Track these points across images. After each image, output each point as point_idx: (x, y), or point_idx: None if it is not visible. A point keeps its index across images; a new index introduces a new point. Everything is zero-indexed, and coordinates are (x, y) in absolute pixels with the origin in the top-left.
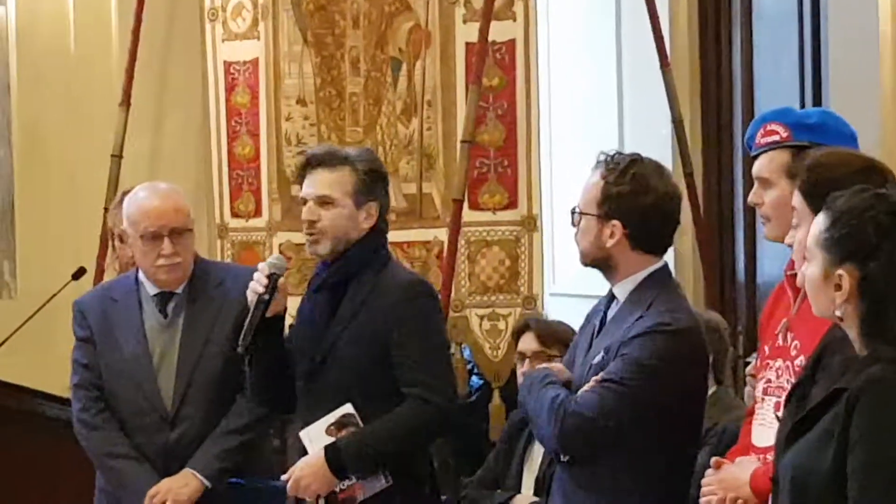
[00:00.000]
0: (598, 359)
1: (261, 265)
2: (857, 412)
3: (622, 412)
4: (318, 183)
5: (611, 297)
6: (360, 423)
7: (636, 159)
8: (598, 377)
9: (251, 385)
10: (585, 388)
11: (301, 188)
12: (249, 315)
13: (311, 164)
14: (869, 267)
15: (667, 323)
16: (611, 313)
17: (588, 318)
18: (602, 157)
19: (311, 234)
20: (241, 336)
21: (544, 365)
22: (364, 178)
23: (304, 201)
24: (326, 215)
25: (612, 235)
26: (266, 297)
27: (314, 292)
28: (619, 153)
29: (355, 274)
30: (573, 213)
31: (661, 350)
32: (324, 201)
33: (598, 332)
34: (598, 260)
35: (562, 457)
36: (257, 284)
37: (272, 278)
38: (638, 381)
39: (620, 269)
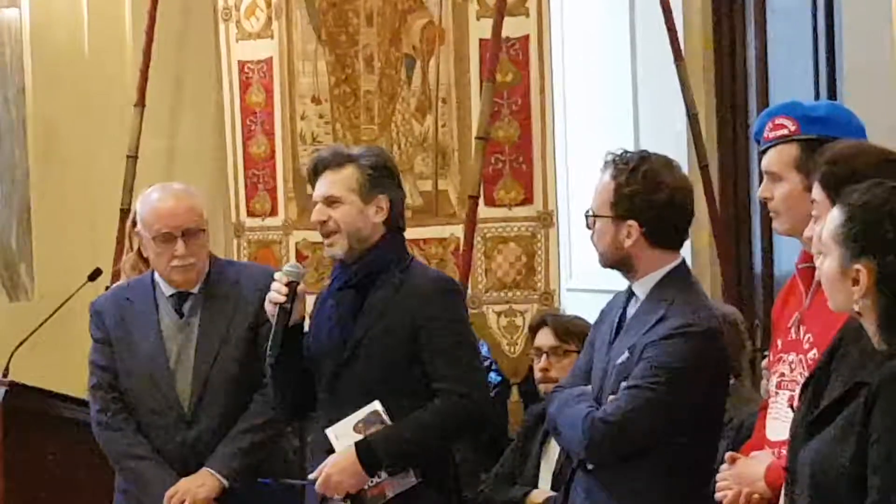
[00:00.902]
0: (622, 358)
1: (277, 274)
2: (877, 407)
3: (649, 417)
4: (324, 184)
5: (629, 295)
6: (388, 420)
7: (645, 156)
8: (625, 384)
9: (273, 393)
10: (612, 397)
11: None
12: (273, 326)
13: (318, 168)
14: (887, 261)
15: (691, 324)
16: (631, 311)
17: (603, 315)
18: (610, 158)
19: (326, 237)
20: (268, 348)
21: (580, 387)
22: (369, 174)
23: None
24: (335, 214)
25: (629, 235)
26: (288, 305)
27: (337, 290)
28: (627, 152)
29: (380, 272)
30: (587, 216)
31: (687, 353)
32: (330, 201)
33: (617, 330)
34: (618, 261)
35: (589, 465)
36: (277, 294)
37: (291, 286)
38: (664, 385)
39: (640, 268)
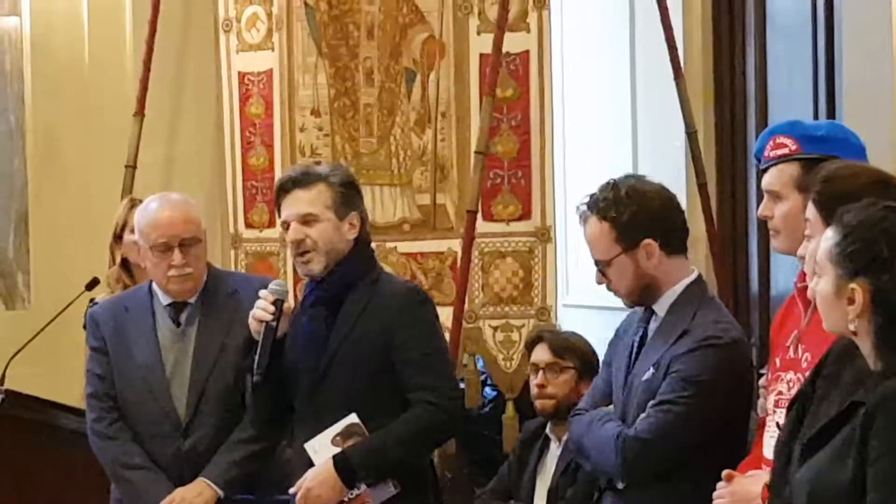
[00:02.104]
0: (647, 375)
1: (262, 292)
2: (875, 427)
3: (682, 432)
4: (297, 203)
5: (649, 313)
6: (366, 432)
7: (615, 183)
8: (654, 401)
9: (255, 413)
10: (643, 415)
11: (280, 215)
12: (260, 343)
13: (285, 187)
14: (882, 280)
15: (716, 336)
16: (652, 328)
17: (619, 334)
18: (584, 207)
19: (301, 255)
20: (256, 365)
21: (603, 408)
22: (341, 191)
23: (286, 225)
24: (312, 232)
25: (649, 255)
26: (273, 323)
27: (309, 307)
28: (594, 193)
29: (350, 286)
30: (598, 268)
31: (714, 365)
32: (307, 220)
33: (639, 348)
34: (644, 290)
35: (619, 485)
36: (264, 312)
37: (277, 304)
38: (694, 399)
39: (664, 286)
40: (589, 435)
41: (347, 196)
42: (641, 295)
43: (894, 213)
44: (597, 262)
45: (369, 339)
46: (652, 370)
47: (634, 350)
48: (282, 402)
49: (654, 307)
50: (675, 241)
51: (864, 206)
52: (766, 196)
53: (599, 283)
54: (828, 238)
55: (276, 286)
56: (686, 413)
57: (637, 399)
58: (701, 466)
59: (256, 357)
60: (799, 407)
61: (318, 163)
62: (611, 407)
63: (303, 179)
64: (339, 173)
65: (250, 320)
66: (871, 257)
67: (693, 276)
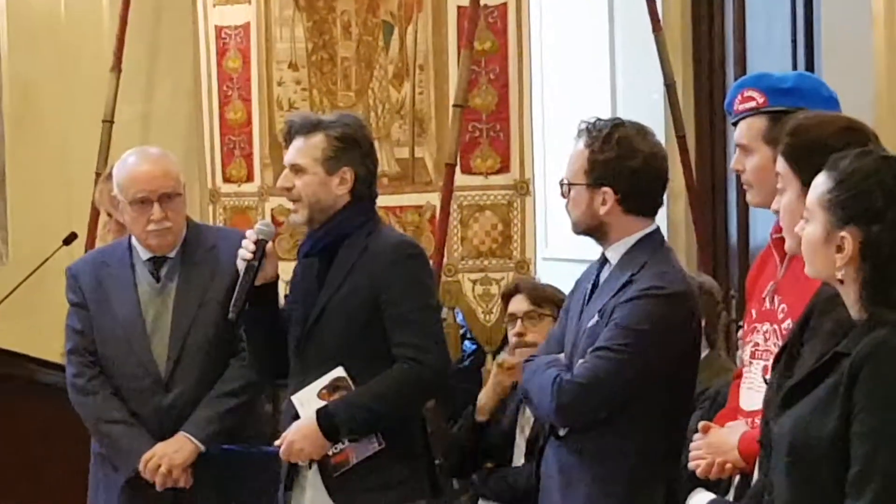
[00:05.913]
0: (592, 322)
1: (248, 232)
2: (861, 377)
3: (617, 379)
4: (292, 151)
5: (603, 261)
6: (352, 386)
7: (618, 124)
8: (591, 347)
9: (249, 354)
10: (581, 361)
11: None
12: (239, 281)
13: (290, 132)
14: (873, 230)
15: (659, 287)
16: (603, 276)
17: (578, 284)
18: (583, 126)
19: (292, 203)
20: (232, 302)
21: (553, 355)
22: (336, 145)
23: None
24: (298, 183)
25: (603, 202)
26: (255, 263)
27: (303, 258)
28: (600, 119)
29: (344, 238)
30: (562, 184)
31: (653, 314)
32: (296, 169)
33: (590, 295)
34: (592, 227)
35: (560, 431)
36: (245, 251)
37: (259, 244)
38: (631, 347)
39: (614, 234)
40: (533, 380)
41: (342, 150)
42: (588, 229)
43: (889, 163)
44: (563, 178)
45: (358, 293)
46: (597, 317)
47: (586, 298)
48: (277, 349)
49: (608, 255)
50: (635, 204)
51: (859, 155)
52: (737, 150)
53: (563, 196)
54: (820, 184)
55: (261, 226)
56: (620, 360)
57: (582, 345)
58: (641, 414)
59: (234, 295)
60: (785, 359)
61: None
62: (562, 354)
63: (304, 127)
64: (339, 126)
65: (238, 261)
66: (864, 206)
67: (650, 228)
